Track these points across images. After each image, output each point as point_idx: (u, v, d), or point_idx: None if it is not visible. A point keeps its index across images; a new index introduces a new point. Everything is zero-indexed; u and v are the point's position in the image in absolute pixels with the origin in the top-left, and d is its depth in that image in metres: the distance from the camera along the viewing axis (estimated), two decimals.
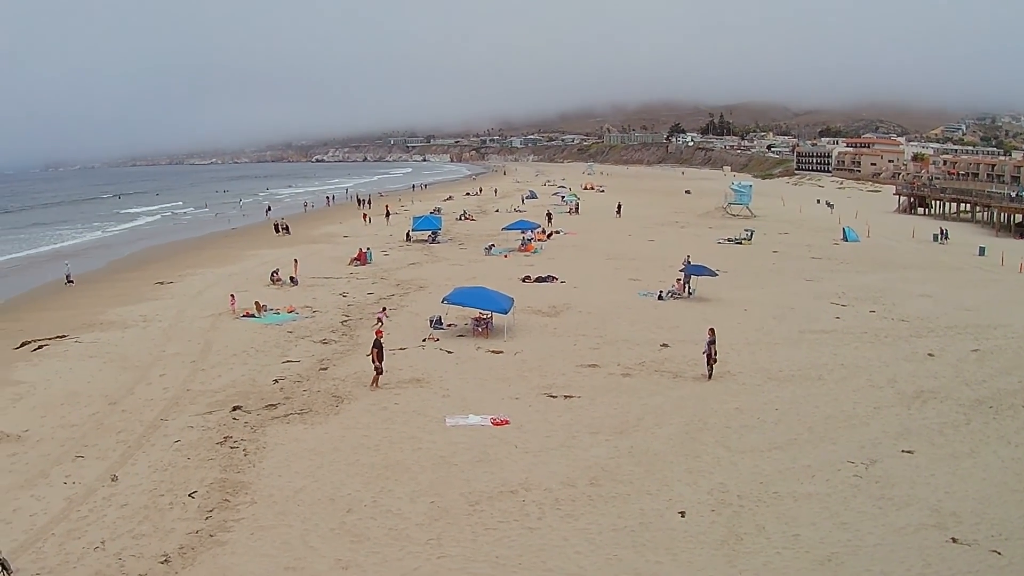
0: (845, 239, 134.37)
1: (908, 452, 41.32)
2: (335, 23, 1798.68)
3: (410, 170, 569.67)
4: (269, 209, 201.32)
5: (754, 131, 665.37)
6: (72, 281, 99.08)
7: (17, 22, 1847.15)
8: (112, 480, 37.86)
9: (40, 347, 63.39)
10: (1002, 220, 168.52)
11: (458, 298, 65.41)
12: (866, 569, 29.90)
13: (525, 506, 34.93)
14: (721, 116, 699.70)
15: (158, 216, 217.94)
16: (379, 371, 51.83)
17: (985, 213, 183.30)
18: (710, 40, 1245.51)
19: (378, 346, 52.03)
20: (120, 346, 63.14)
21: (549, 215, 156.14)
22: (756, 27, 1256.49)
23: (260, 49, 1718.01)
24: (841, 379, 53.99)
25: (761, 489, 36.72)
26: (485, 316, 66.22)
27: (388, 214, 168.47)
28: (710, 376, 53.63)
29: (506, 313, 64.80)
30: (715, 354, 53.87)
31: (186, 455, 40.79)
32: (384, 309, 71.60)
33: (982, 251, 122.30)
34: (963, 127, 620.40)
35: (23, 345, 64.25)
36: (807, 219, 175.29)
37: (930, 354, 60.12)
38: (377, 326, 65.88)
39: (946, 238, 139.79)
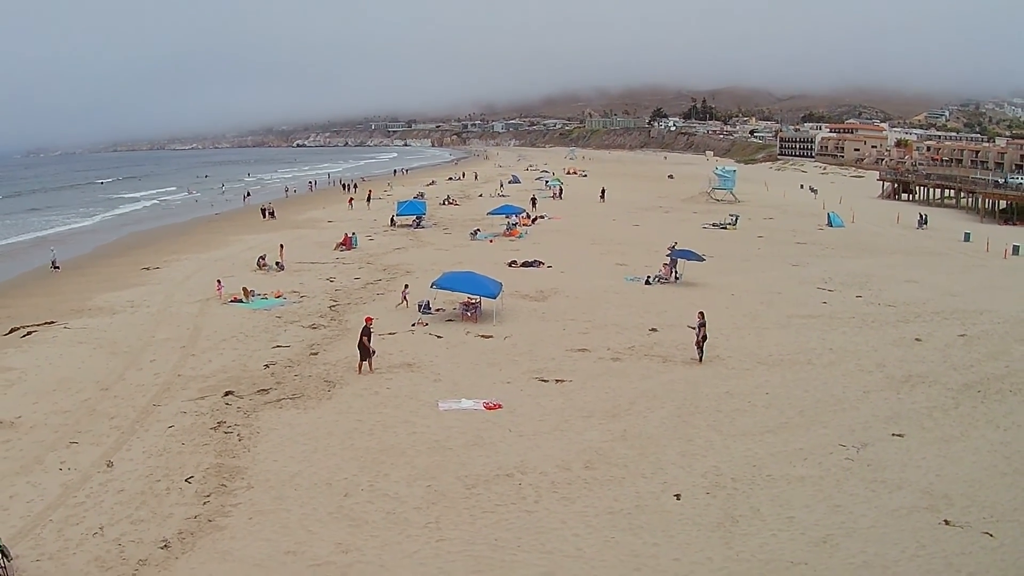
0: (830, 224, 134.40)
1: (898, 435, 41.68)
2: (315, 7, 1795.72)
3: (396, 155, 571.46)
4: (248, 195, 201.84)
5: (737, 116, 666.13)
6: (58, 267, 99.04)
7: None
8: (108, 466, 37.82)
9: (29, 333, 63.18)
10: (986, 206, 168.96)
11: (447, 283, 65.45)
12: (861, 550, 30.19)
13: (522, 489, 35.17)
14: (704, 101, 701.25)
15: (155, 201, 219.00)
16: (367, 355, 51.82)
17: (969, 199, 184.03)
18: (694, 25, 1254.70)
19: (366, 332, 51.94)
20: (109, 332, 63.03)
21: (534, 200, 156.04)
22: (740, 12, 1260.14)
23: (241, 34, 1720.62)
24: (830, 363, 54.29)
25: (754, 472, 37.06)
26: (474, 301, 66.32)
27: (369, 199, 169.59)
28: (700, 359, 53.86)
29: (495, 298, 64.95)
30: (705, 337, 54.05)
31: (180, 440, 40.80)
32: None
33: (967, 237, 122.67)
34: (946, 113, 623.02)
35: (12, 331, 64.04)
36: (791, 204, 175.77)
37: (917, 339, 60.52)
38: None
39: (925, 223, 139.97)
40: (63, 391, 48.78)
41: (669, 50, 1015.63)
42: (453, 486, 35.43)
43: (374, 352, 52.16)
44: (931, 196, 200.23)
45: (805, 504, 33.88)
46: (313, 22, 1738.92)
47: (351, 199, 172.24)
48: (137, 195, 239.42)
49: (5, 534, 30.34)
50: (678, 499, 34.32)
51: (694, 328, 54.65)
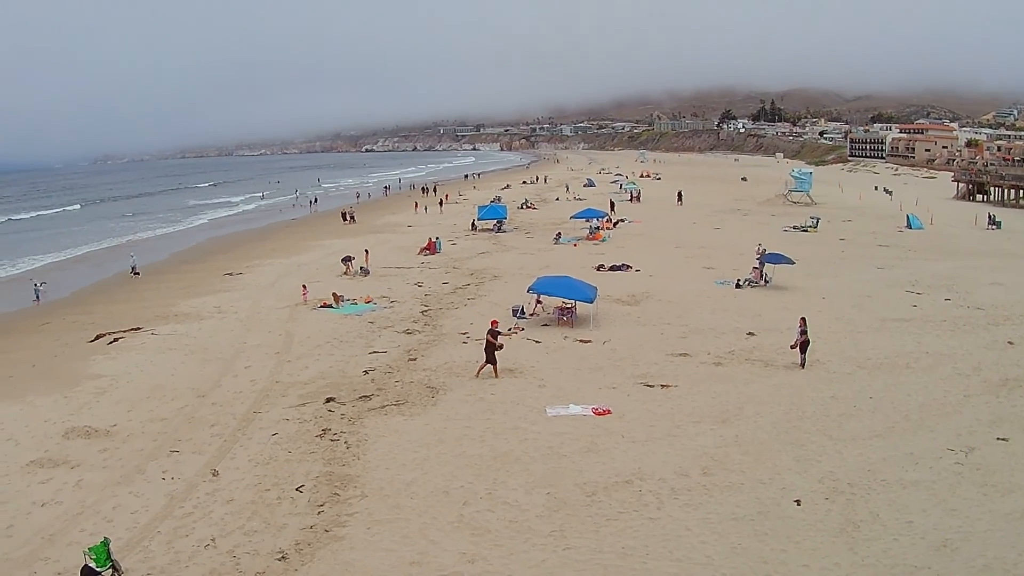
0: (909, 226, 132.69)
1: (1003, 439, 40.88)
2: (384, 10, 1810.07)
3: (473, 159, 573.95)
4: (315, 201, 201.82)
5: (806, 117, 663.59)
6: (138, 273, 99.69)
7: (64, 17, 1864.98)
8: (213, 475, 37.22)
9: (116, 340, 63.20)
10: None
11: (543, 287, 65.11)
12: (980, 554, 29.86)
13: (642, 496, 34.51)
14: (772, 102, 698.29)
15: (253, 205, 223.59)
16: (494, 359, 51.31)
17: None
18: (761, 26, 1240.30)
19: (493, 335, 51.71)
20: (198, 338, 62.92)
21: (612, 204, 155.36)
22: (806, 14, 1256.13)
23: (308, 38, 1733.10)
24: (928, 367, 53.39)
25: (869, 477, 36.48)
26: (568, 305, 65.80)
27: (442, 204, 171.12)
28: (803, 365, 53.10)
29: (592, 302, 64.21)
30: (807, 343, 53.40)
31: (286, 448, 40.24)
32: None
33: None
34: (1015, 112, 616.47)
35: (97, 338, 64.16)
36: (867, 206, 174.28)
37: (1010, 342, 59.38)
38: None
39: (996, 224, 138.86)
40: (158, 399, 48.52)
41: (737, 52, 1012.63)
42: (573, 493, 34.76)
43: (489, 362, 51.54)
44: (1007, 197, 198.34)
45: (922, 508, 33.42)
46: (381, 26, 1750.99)
47: (416, 203, 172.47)
48: (236, 199, 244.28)
49: (112, 546, 29.70)
50: (798, 505, 33.72)
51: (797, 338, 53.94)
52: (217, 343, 61.16)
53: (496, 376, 50.85)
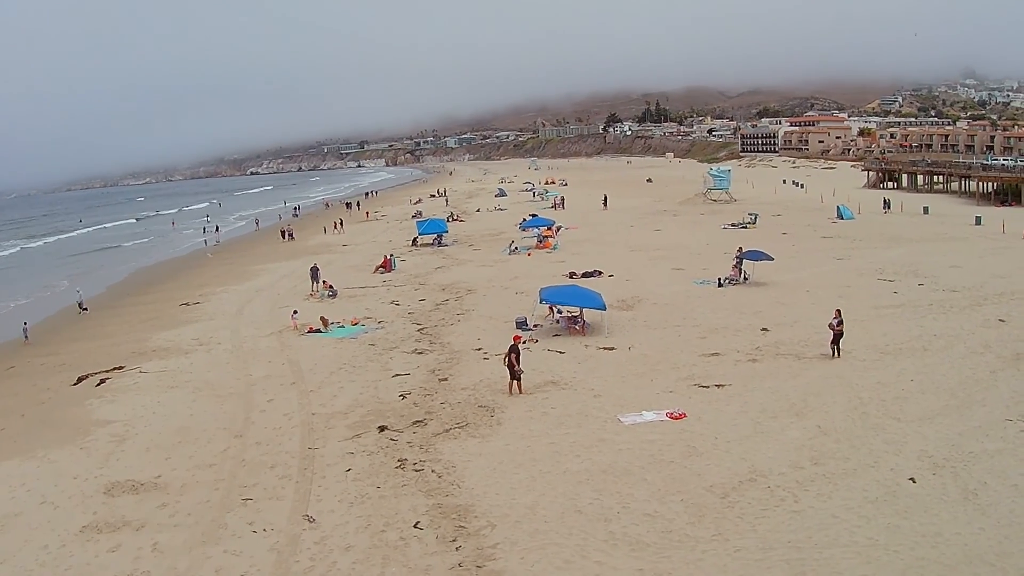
0: (841, 217, 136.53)
1: None
2: (262, 32, 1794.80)
3: (388, 176, 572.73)
4: (217, 229, 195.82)
5: (691, 116, 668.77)
6: (86, 308, 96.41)
7: None
8: (309, 521, 34.39)
9: (103, 381, 60.27)
10: (982, 189, 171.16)
11: (552, 297, 64.97)
12: None
13: (773, 492, 34.72)
14: (658, 103, 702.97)
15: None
16: (516, 375, 50.07)
17: (960, 183, 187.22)
18: (641, 30, 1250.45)
19: (515, 351, 50.26)
20: (196, 373, 60.29)
21: (534, 216, 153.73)
22: (679, 17, 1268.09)
23: (186, 63, 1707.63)
24: (943, 348, 55.29)
25: (956, 451, 38.22)
26: (575, 313, 65.42)
27: (337, 224, 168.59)
28: (834, 355, 54.20)
29: (604, 309, 63.77)
30: (841, 334, 54.37)
31: (372, 484, 37.90)
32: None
33: (978, 221, 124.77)
34: (899, 99, 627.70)
35: (80, 380, 61.35)
36: (785, 200, 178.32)
37: (1000, 320, 61.84)
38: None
39: (889, 207, 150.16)
40: (191, 442, 45.43)
41: (613, 58, 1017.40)
42: (706, 497, 34.30)
43: (521, 372, 50.34)
44: (918, 183, 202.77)
45: (1019, 473, 35.49)
46: (259, 48, 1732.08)
47: (337, 221, 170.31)
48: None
49: None
50: (914, 482, 35.14)
51: (832, 325, 54.96)
52: (220, 378, 58.63)
53: (510, 392, 50.00)
